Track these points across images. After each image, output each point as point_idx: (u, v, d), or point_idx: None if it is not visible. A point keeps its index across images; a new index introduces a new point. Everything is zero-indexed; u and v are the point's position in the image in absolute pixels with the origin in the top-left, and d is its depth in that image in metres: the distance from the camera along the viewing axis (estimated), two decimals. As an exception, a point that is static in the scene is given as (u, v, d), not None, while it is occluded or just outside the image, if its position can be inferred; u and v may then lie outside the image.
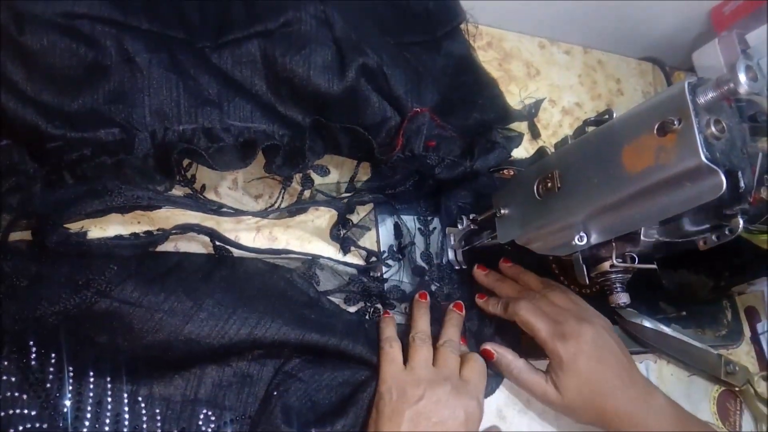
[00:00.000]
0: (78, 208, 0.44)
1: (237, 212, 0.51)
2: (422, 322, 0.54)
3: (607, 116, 0.45)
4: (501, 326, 0.58)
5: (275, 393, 0.47)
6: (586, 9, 0.73)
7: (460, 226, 0.58)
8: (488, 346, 0.55)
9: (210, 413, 0.45)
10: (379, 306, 0.55)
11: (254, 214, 0.52)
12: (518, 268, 0.60)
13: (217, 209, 0.51)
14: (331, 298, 0.54)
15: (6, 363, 0.41)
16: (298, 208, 0.54)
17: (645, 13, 0.75)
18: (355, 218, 0.58)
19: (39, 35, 0.43)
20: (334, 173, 0.58)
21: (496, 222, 0.53)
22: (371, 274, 0.56)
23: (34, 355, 0.42)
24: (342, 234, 0.56)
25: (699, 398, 0.67)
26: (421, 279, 0.58)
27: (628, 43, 0.82)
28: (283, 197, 0.54)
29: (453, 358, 0.51)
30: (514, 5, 0.71)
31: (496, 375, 0.57)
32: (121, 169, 0.46)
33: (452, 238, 0.60)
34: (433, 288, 0.58)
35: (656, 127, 0.38)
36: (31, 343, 0.42)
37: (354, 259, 0.57)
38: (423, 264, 0.59)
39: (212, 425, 0.45)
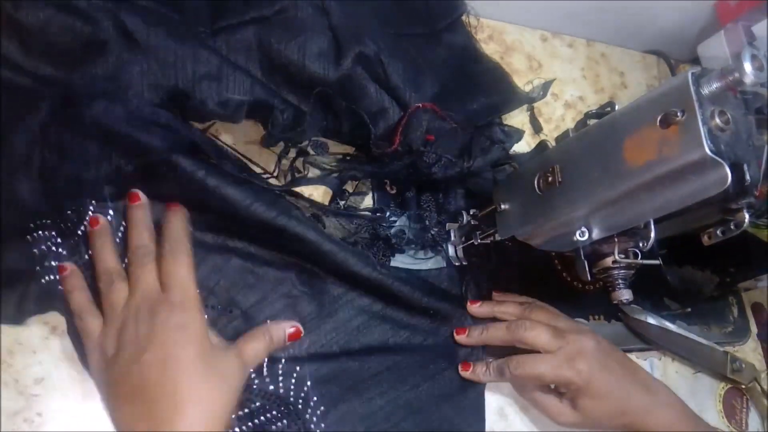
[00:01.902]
0: None
1: None
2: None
3: (609, 108, 0.45)
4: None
5: None
6: (589, 1, 0.72)
7: (460, 222, 0.58)
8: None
9: None
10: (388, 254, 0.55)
11: None
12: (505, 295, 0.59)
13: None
14: None
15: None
16: (292, 186, 0.53)
17: (649, 5, 0.74)
18: (350, 187, 0.58)
19: (34, 11, 0.42)
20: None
21: (497, 217, 0.52)
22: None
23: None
24: (342, 205, 0.56)
25: (704, 396, 0.66)
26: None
27: (632, 35, 0.80)
28: (279, 169, 0.53)
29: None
30: (516, -3, 0.70)
31: None
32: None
33: (452, 234, 0.60)
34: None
35: (659, 118, 0.37)
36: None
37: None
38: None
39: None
